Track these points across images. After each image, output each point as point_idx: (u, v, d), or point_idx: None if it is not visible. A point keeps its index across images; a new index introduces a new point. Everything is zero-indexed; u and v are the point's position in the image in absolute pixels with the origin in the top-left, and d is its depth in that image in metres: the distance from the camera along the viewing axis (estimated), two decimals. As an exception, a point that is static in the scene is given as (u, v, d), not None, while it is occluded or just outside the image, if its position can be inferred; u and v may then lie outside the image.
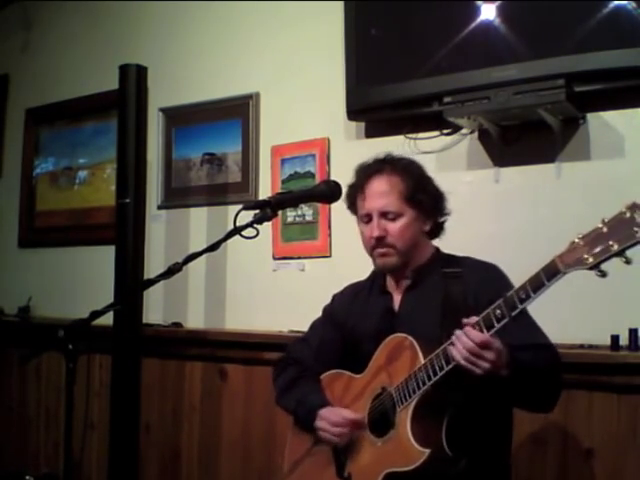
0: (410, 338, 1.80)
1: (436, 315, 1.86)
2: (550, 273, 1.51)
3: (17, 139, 4.20)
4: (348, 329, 2.08)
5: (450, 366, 1.66)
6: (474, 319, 1.63)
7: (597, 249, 1.42)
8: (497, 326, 1.60)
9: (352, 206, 2.03)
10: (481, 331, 1.61)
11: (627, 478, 2.21)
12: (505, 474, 1.91)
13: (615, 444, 2.24)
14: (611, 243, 1.40)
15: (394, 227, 1.92)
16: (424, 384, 1.71)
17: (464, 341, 1.61)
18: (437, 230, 2.03)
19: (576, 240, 1.47)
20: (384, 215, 1.92)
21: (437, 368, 1.68)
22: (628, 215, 1.40)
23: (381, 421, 1.82)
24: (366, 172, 1.98)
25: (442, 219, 2.02)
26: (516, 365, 1.65)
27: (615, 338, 2.27)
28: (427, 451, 1.65)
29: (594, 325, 2.35)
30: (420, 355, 1.75)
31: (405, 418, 1.73)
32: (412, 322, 1.90)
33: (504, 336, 1.65)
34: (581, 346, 2.32)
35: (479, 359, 1.60)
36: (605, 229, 1.43)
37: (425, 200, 1.95)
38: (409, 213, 1.93)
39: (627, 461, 2.22)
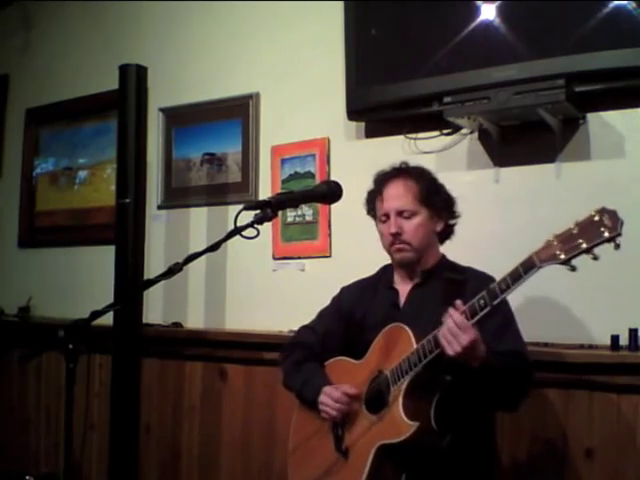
0: (405, 327, 1.95)
1: (436, 314, 1.95)
2: (527, 267, 1.68)
3: (17, 139, 4.20)
4: (356, 319, 2.21)
5: (438, 350, 1.81)
6: (461, 306, 1.80)
7: (568, 246, 1.61)
8: (480, 313, 1.76)
9: (371, 210, 2.23)
10: (466, 318, 1.78)
11: (627, 478, 2.21)
12: (489, 453, 2.08)
13: (615, 444, 2.24)
14: (580, 241, 1.59)
15: (409, 225, 2.10)
16: (415, 366, 1.87)
17: (447, 320, 1.79)
18: (447, 233, 2.20)
19: (550, 239, 1.64)
20: (400, 214, 2.10)
21: (427, 351, 1.84)
22: (597, 218, 1.57)
23: (377, 400, 1.97)
24: (384, 178, 2.18)
25: (452, 222, 2.20)
26: (487, 361, 1.82)
27: (615, 338, 2.27)
28: (415, 424, 1.81)
29: (594, 325, 2.35)
30: (413, 341, 1.90)
31: (398, 396, 1.89)
32: (414, 317, 2.04)
33: (487, 337, 1.84)
34: (581, 346, 2.32)
35: (454, 338, 1.77)
36: (576, 230, 1.60)
37: (437, 201, 2.14)
38: (423, 212, 2.11)
39: (627, 461, 2.22)
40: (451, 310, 1.80)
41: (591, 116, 2.43)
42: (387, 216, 2.12)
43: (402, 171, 2.17)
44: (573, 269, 1.61)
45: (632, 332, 2.25)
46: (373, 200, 2.20)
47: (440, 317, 1.87)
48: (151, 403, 3.33)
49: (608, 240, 1.55)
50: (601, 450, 2.26)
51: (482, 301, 1.76)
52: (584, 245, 1.58)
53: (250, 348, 3.03)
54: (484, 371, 1.81)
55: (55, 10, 4.05)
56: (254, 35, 3.28)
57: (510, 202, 2.58)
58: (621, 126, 2.39)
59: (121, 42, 3.69)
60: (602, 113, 2.41)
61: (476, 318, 1.77)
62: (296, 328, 2.89)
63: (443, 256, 2.20)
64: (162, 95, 3.46)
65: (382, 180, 2.18)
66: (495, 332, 1.92)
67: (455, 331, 1.77)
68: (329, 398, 2.06)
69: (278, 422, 2.97)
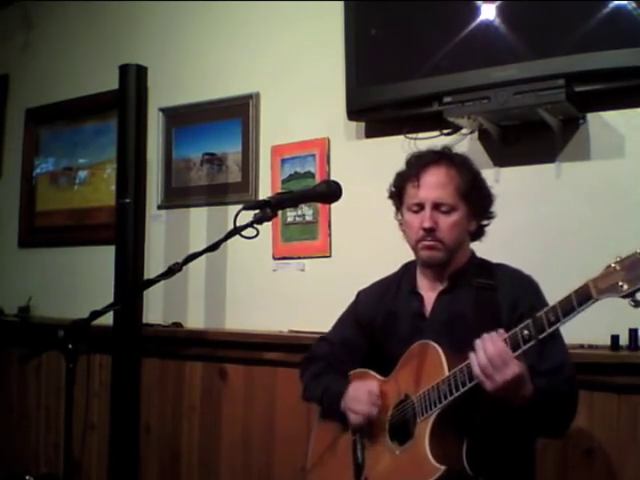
0: (437, 347, 1.74)
1: (467, 326, 1.80)
2: (582, 298, 1.46)
3: (17, 139, 4.19)
4: (376, 328, 2.02)
5: (472, 383, 1.62)
6: (502, 334, 1.59)
7: (633, 276, 1.37)
8: (523, 347, 1.56)
9: (398, 194, 1.97)
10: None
11: (627, 478, 2.21)
12: None
13: (615, 444, 2.24)
14: None
15: (446, 221, 1.86)
16: (445, 398, 1.66)
17: (487, 347, 1.57)
18: (479, 232, 1.99)
19: (612, 265, 1.41)
20: (437, 207, 1.86)
21: (459, 383, 1.64)
22: None
23: (402, 429, 1.79)
24: (423, 161, 1.91)
25: (487, 222, 1.99)
26: (533, 400, 1.62)
27: (615, 338, 2.27)
28: (442, 468, 1.62)
29: (594, 325, 2.35)
30: (445, 366, 1.70)
31: (424, 430, 1.69)
32: (442, 329, 1.86)
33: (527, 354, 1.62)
34: (581, 346, 2.32)
35: (496, 371, 1.55)
36: None
37: (478, 199, 1.92)
38: (462, 209, 1.88)
39: (627, 461, 2.22)
40: (488, 336, 1.58)
41: (591, 116, 2.42)
42: (420, 206, 1.87)
43: (445, 157, 1.92)
44: (637, 304, 1.37)
45: (632, 332, 2.25)
46: (404, 184, 1.93)
47: (472, 330, 1.67)
48: (151, 403, 3.32)
49: None
50: (601, 450, 2.26)
51: (526, 332, 1.54)
52: None
53: (250, 348, 3.03)
54: (528, 409, 1.62)
55: (55, 10, 4.05)
56: (254, 35, 3.28)
57: (510, 202, 2.57)
58: (621, 126, 2.39)
59: (121, 42, 3.69)
60: (602, 113, 2.41)
61: (519, 352, 1.56)
62: (296, 328, 2.91)
63: (472, 254, 1.99)
64: (162, 95, 3.46)
65: (421, 164, 1.90)
66: (536, 345, 1.62)
67: (497, 362, 1.54)
68: (362, 392, 1.85)
69: (278, 422, 2.97)
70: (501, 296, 1.85)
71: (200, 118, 3.40)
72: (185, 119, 3.46)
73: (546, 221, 2.49)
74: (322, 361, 2.11)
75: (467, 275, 1.91)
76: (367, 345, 2.05)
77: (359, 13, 2.77)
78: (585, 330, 2.35)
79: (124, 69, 3.04)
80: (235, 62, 3.33)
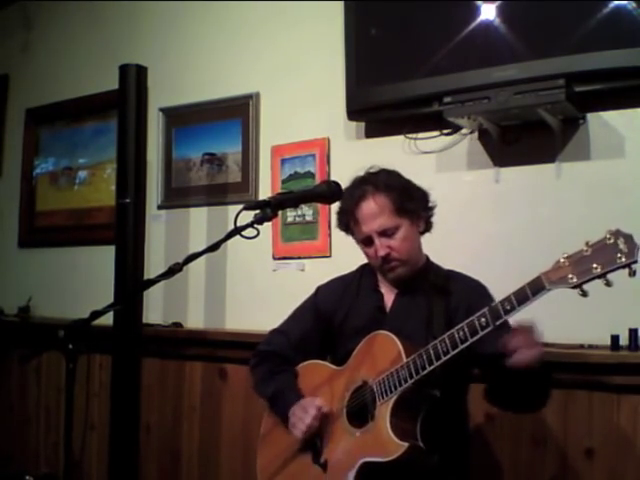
0: (393, 336, 1.87)
1: (423, 322, 1.95)
2: (535, 288, 1.60)
3: (17, 139, 4.20)
4: (336, 323, 2.12)
5: (432, 367, 1.75)
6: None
7: (581, 270, 1.53)
8: (480, 333, 1.68)
9: (347, 230, 2.11)
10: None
11: (627, 478, 2.22)
12: (464, 466, 2.03)
13: (615, 444, 2.24)
14: (595, 266, 1.51)
15: (396, 240, 1.99)
16: (405, 381, 1.79)
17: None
18: (427, 226, 2.10)
19: (561, 260, 1.56)
20: (383, 233, 1.99)
21: (419, 367, 1.77)
22: (612, 241, 1.50)
23: (360, 413, 1.89)
24: (354, 198, 2.02)
25: (430, 214, 2.10)
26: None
27: (615, 338, 2.27)
28: (405, 445, 1.74)
29: (594, 325, 2.35)
30: (403, 354, 1.83)
31: (385, 412, 1.81)
32: (400, 324, 1.98)
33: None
34: (581, 346, 2.32)
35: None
36: (589, 252, 1.53)
37: (414, 204, 2.03)
38: (404, 222, 2.00)
39: (627, 461, 2.22)
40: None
41: (591, 116, 2.43)
42: (369, 239, 2.01)
43: (369, 185, 2.01)
44: (584, 294, 1.54)
45: (632, 332, 2.25)
46: (348, 221, 2.07)
47: (427, 329, 1.86)
48: (151, 403, 3.32)
49: (624, 266, 1.48)
50: (601, 450, 2.26)
51: (483, 319, 1.67)
52: (598, 270, 1.50)
53: (250, 348, 2.99)
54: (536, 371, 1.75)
55: (55, 10, 4.05)
56: (254, 35, 3.28)
57: (510, 202, 2.57)
58: (621, 126, 2.39)
59: (121, 42, 3.69)
60: (602, 113, 2.41)
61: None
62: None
63: (427, 258, 2.13)
64: (162, 95, 3.46)
65: (353, 201, 2.02)
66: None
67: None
68: (303, 412, 1.95)
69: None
70: (456, 300, 1.98)
71: (200, 118, 3.41)
72: (185, 119, 3.46)
73: (546, 221, 2.49)
74: (276, 357, 2.17)
75: (424, 279, 2.05)
76: (325, 338, 2.15)
77: (359, 13, 2.77)
78: (585, 330, 2.36)
79: (124, 69, 3.04)
80: (235, 62, 3.34)
